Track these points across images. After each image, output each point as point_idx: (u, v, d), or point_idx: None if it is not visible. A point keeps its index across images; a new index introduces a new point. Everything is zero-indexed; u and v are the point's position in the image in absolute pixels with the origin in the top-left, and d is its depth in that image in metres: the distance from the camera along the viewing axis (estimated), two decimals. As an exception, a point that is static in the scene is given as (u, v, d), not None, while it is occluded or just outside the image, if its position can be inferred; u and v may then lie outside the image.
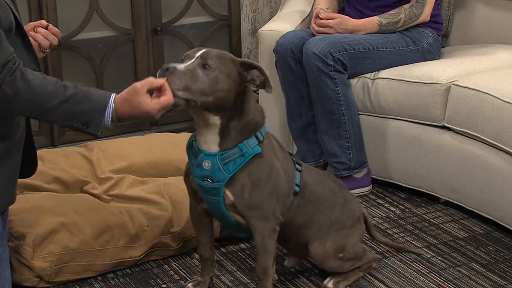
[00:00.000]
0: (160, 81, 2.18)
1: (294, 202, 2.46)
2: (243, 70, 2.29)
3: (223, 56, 2.28)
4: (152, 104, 2.18)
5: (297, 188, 2.46)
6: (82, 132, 2.24)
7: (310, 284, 2.66)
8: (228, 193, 2.34)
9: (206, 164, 2.33)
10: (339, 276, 2.61)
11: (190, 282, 2.60)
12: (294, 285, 2.65)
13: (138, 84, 2.19)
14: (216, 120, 2.29)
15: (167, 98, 2.18)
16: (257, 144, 2.34)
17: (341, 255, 2.54)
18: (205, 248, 2.56)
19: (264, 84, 2.30)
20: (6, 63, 2.13)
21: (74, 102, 2.17)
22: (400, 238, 2.94)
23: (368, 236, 2.77)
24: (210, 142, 2.33)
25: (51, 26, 2.51)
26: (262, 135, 2.36)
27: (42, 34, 2.48)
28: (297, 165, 2.48)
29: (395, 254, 2.84)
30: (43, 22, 2.53)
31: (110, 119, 2.20)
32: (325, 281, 2.61)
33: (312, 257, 2.57)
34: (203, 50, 2.28)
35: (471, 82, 3.03)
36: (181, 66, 2.21)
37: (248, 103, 2.32)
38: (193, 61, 2.24)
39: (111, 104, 2.20)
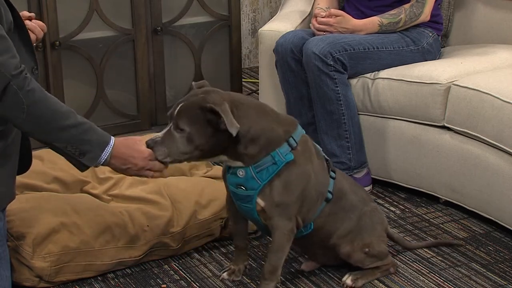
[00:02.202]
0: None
1: (326, 209, 2.52)
2: (211, 115, 2.28)
3: (193, 108, 2.30)
4: (147, 153, 2.30)
5: (329, 195, 2.51)
6: (70, 160, 2.27)
7: (310, 284, 2.66)
8: (259, 200, 2.41)
9: (241, 173, 2.40)
10: (357, 273, 2.64)
11: (224, 272, 2.68)
12: (294, 285, 2.66)
13: (137, 137, 2.34)
14: (223, 157, 2.38)
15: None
16: (290, 151, 2.39)
17: (366, 249, 2.60)
18: (240, 238, 2.64)
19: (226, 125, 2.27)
20: (21, 70, 2.14)
21: (83, 130, 2.22)
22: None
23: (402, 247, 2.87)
24: (234, 164, 2.41)
25: (34, 19, 2.49)
26: (295, 141, 2.41)
27: (28, 27, 2.45)
28: (331, 173, 2.53)
29: (395, 254, 2.84)
30: (25, 13, 2.48)
31: (106, 157, 2.26)
32: (344, 278, 2.64)
33: (341, 254, 2.62)
34: (178, 107, 2.32)
35: (471, 82, 3.03)
36: (158, 137, 2.32)
37: (243, 128, 2.30)
38: (170, 125, 2.33)
39: (112, 142, 2.27)
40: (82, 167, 2.29)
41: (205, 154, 2.34)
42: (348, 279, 2.63)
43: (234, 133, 2.26)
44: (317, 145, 2.58)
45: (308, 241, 2.61)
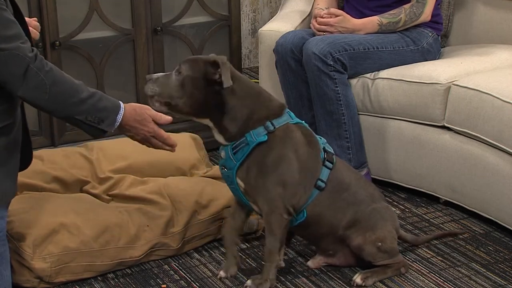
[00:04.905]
0: (168, 118, 2.44)
1: (322, 198, 2.57)
2: (212, 68, 2.45)
3: (198, 60, 2.49)
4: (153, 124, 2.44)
5: (321, 184, 2.56)
6: (88, 130, 2.36)
7: (310, 284, 2.66)
8: (238, 180, 2.54)
9: (222, 154, 2.55)
10: (368, 272, 2.64)
11: (221, 270, 2.71)
12: (294, 285, 2.66)
13: (148, 114, 2.44)
14: (208, 122, 2.52)
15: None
16: (265, 134, 2.46)
17: (379, 244, 2.61)
18: (228, 232, 2.70)
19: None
20: (35, 53, 2.22)
21: (97, 99, 2.33)
22: (400, 238, 2.94)
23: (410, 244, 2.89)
24: (218, 138, 2.54)
25: (27, 19, 2.50)
26: (273, 126, 2.48)
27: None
28: (327, 163, 2.58)
29: (395, 254, 2.84)
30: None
31: (120, 119, 2.37)
32: (354, 277, 2.64)
33: (352, 247, 2.64)
34: (189, 57, 2.53)
35: (471, 82, 3.03)
36: (155, 75, 2.51)
37: (232, 100, 2.47)
38: (175, 69, 2.50)
39: (122, 106, 2.38)
40: (101, 134, 2.39)
41: (193, 108, 2.47)
42: (358, 278, 2.63)
43: (225, 85, 2.41)
44: (319, 137, 2.64)
45: (314, 232, 2.64)
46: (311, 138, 2.60)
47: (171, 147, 2.50)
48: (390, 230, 2.65)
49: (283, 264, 2.65)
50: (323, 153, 2.60)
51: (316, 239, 2.69)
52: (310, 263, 2.75)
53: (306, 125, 2.65)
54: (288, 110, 2.60)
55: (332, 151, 2.65)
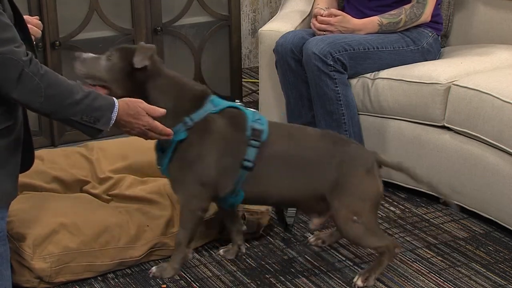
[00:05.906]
0: (161, 111, 2.41)
1: (256, 174, 2.55)
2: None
3: (127, 48, 2.55)
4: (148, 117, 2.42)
5: (248, 164, 2.54)
6: (84, 130, 2.35)
7: (310, 284, 2.66)
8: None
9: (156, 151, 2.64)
10: (366, 272, 2.64)
11: (221, 249, 2.85)
12: (294, 285, 2.66)
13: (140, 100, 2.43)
14: None
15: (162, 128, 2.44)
16: (184, 130, 2.51)
17: (355, 217, 2.54)
18: (227, 220, 2.82)
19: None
20: (30, 57, 2.22)
21: (92, 98, 2.32)
22: (400, 238, 2.95)
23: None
24: None
25: (28, 17, 2.50)
26: (191, 120, 2.52)
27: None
28: (252, 141, 2.55)
29: (395, 254, 2.84)
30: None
31: (115, 117, 2.35)
32: (354, 279, 2.63)
33: (333, 220, 2.63)
34: (122, 45, 2.61)
35: (471, 82, 3.04)
36: (85, 55, 2.54)
37: (154, 94, 2.50)
38: (106, 53, 2.54)
39: (116, 103, 2.36)
40: (97, 133, 2.38)
41: (121, 95, 2.46)
42: (358, 280, 2.62)
43: (136, 65, 2.47)
44: (260, 117, 2.59)
45: (276, 203, 2.74)
46: (236, 120, 2.58)
47: (168, 136, 2.47)
48: (362, 197, 2.55)
49: (191, 256, 2.72)
50: (249, 132, 2.55)
51: (287, 207, 2.77)
52: (311, 226, 2.70)
53: (238, 105, 2.63)
54: (214, 96, 2.59)
55: (262, 128, 2.57)
